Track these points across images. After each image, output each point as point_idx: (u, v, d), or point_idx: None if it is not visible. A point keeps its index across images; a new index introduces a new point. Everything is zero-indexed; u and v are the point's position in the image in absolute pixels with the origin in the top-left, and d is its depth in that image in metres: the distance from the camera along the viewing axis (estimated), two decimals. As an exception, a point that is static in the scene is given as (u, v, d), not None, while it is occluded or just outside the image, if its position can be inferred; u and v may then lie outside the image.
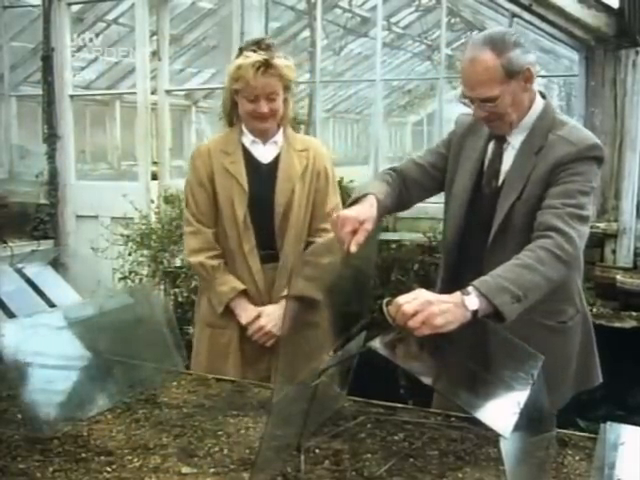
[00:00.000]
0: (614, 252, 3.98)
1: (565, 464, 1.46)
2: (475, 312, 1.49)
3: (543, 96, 1.87)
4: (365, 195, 1.77)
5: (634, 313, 3.63)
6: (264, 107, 2.17)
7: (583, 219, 1.71)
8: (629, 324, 3.57)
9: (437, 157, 2.00)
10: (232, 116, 2.30)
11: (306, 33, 5.75)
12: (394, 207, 1.91)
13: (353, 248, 1.62)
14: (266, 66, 2.12)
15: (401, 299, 1.46)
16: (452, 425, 1.64)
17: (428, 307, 1.43)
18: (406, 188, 1.94)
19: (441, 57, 5.10)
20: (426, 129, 13.06)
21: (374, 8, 5.70)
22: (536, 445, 1.42)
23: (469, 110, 1.96)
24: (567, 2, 3.89)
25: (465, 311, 1.48)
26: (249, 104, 2.17)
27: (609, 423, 1.48)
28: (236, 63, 2.15)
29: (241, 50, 2.19)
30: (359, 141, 11.81)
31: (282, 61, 2.16)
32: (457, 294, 1.51)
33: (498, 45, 1.72)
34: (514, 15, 4.30)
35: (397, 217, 4.42)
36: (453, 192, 1.93)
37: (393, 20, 7.53)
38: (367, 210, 1.72)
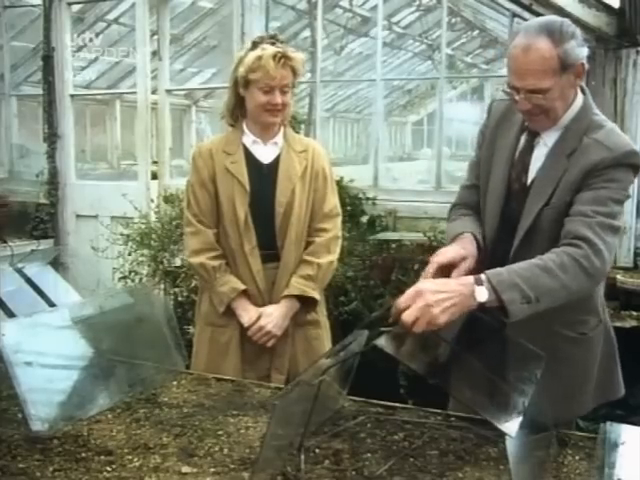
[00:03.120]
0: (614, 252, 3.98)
1: (565, 464, 1.45)
2: (482, 304, 1.48)
3: (583, 91, 1.77)
4: (461, 233, 1.75)
5: (634, 313, 3.63)
6: (278, 98, 2.19)
7: (614, 230, 1.63)
8: (629, 324, 3.57)
9: (478, 168, 1.93)
10: (235, 113, 2.31)
11: (306, 33, 5.75)
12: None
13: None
14: (285, 58, 2.16)
15: (400, 303, 1.45)
16: (452, 425, 1.64)
17: (427, 311, 1.42)
18: (478, 213, 1.89)
19: (442, 57, 5.10)
20: (426, 129, 13.08)
21: (375, 8, 5.71)
22: (536, 444, 1.42)
23: (502, 96, 1.86)
24: (567, 2, 3.88)
25: (472, 301, 1.47)
26: (263, 96, 2.18)
27: (609, 423, 1.47)
28: (254, 54, 2.16)
29: (255, 44, 2.21)
30: (359, 141, 11.80)
31: (297, 54, 2.22)
32: (469, 281, 1.49)
33: (556, 34, 1.61)
34: (514, 15, 4.30)
35: (397, 217, 4.43)
36: (490, 185, 1.85)
37: (394, 20, 7.52)
38: (467, 246, 1.70)
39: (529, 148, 1.79)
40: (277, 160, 2.28)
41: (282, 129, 2.32)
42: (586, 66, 1.68)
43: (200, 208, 2.27)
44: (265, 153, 2.29)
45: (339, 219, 2.37)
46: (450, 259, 1.66)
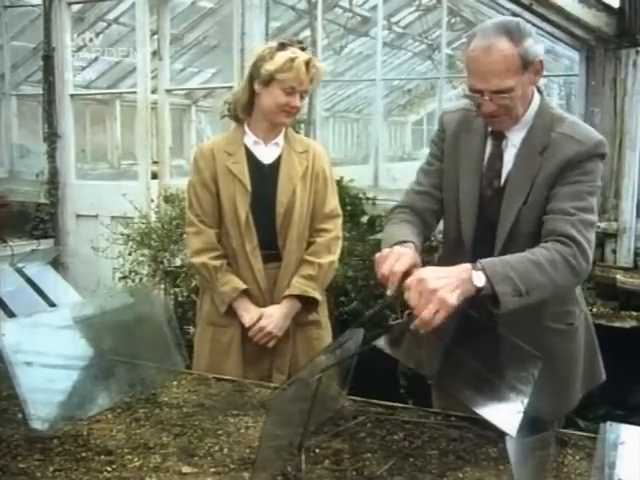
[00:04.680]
0: (614, 252, 3.98)
1: (565, 464, 1.46)
2: (479, 289, 1.49)
3: (539, 91, 1.80)
4: (398, 242, 1.68)
5: (634, 313, 3.63)
6: (298, 101, 2.22)
7: (593, 225, 1.68)
8: (629, 324, 3.57)
9: (434, 176, 1.91)
10: (247, 109, 2.29)
11: (306, 33, 5.73)
12: (422, 245, 1.79)
13: (390, 289, 1.53)
14: (312, 66, 2.20)
15: (414, 303, 1.44)
16: (452, 425, 1.64)
17: (436, 296, 1.43)
18: (424, 222, 1.88)
19: (442, 57, 5.10)
20: (426, 128, 13.05)
21: (374, 8, 5.70)
22: (536, 444, 1.42)
23: (450, 107, 1.93)
24: (567, 2, 3.88)
25: (471, 286, 1.49)
26: (285, 97, 2.20)
27: (609, 423, 1.47)
28: (286, 55, 2.17)
29: (283, 45, 2.21)
30: (359, 140, 11.79)
31: (322, 65, 2.29)
32: (467, 267, 1.50)
33: (514, 34, 1.62)
34: (514, 15, 4.30)
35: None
36: (462, 193, 1.83)
37: (393, 20, 7.52)
38: (407, 250, 1.61)
39: (498, 153, 1.80)
40: (278, 160, 2.29)
41: (283, 130, 2.33)
42: (544, 62, 1.70)
43: (202, 208, 2.28)
44: (266, 153, 2.30)
45: (340, 220, 2.38)
46: (408, 267, 1.56)
